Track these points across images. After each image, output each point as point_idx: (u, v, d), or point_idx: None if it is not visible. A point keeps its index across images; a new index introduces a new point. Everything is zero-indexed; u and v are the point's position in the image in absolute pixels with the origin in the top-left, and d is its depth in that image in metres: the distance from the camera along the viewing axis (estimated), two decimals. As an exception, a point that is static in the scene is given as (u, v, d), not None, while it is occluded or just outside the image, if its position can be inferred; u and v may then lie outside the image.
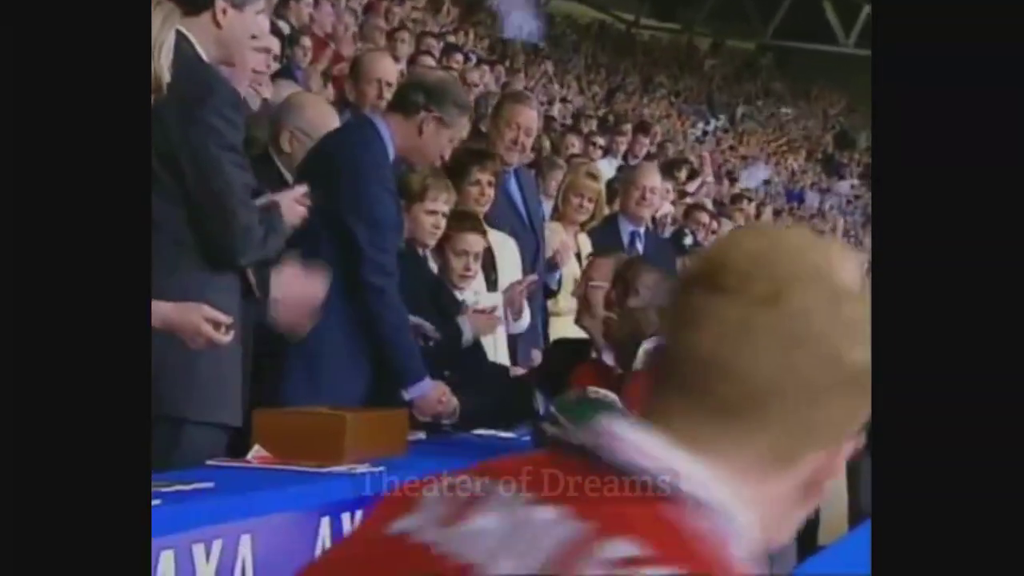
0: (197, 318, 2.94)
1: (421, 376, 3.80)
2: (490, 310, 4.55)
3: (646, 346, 3.32)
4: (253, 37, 3.62)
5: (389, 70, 5.24)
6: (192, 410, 3.09)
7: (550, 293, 5.53)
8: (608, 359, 3.47)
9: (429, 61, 8.82)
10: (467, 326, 4.41)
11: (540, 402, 3.34)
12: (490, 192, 4.87)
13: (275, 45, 4.28)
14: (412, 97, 3.95)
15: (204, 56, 3.25)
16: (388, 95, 4.80)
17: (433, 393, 3.82)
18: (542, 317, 5.42)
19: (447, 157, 4.31)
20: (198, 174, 3.08)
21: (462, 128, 4.13)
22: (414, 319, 3.90)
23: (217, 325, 2.94)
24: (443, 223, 4.40)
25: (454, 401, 3.87)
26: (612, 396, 3.20)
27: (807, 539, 7.04)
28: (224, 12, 3.27)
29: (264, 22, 3.63)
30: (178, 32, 3.17)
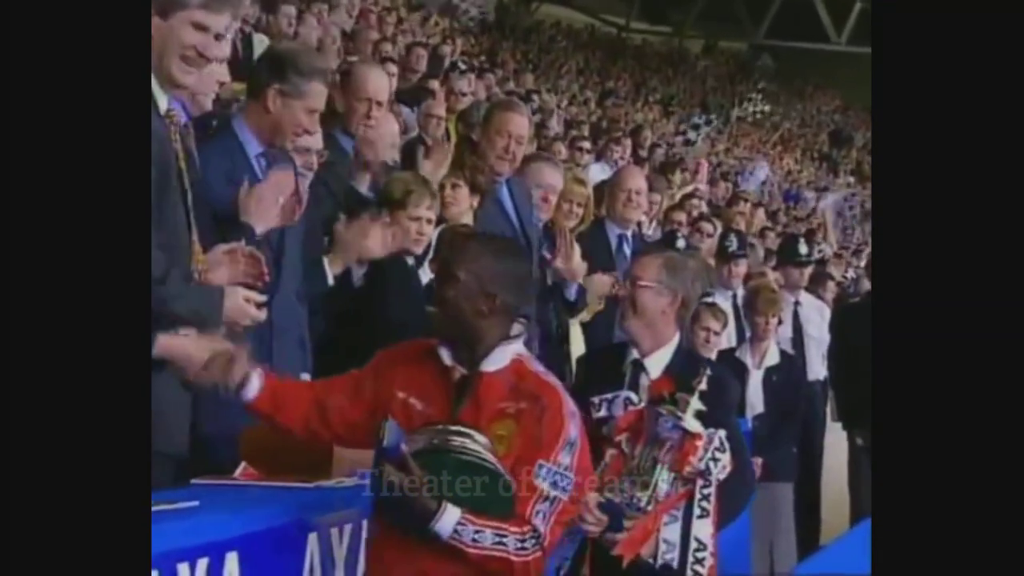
0: (240, 300, 3.04)
1: None
2: None
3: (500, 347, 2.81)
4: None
5: (382, 86, 5.00)
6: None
7: (569, 307, 5.40)
8: (447, 358, 2.82)
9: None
10: None
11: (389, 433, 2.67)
12: (455, 194, 4.87)
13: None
14: (257, 76, 3.80)
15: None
16: (376, 113, 4.72)
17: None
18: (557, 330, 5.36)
19: (312, 129, 3.96)
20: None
21: (315, 96, 3.82)
22: None
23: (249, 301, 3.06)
24: (428, 230, 4.37)
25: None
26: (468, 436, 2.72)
27: (809, 538, 7.05)
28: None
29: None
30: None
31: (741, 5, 29.36)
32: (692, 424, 3.35)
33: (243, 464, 3.25)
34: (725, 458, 3.40)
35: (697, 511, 3.43)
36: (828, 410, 8.06)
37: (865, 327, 7.11)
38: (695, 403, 3.36)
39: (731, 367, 6.55)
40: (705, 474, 3.39)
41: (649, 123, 19.50)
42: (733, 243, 7.49)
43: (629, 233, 6.00)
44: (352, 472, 3.21)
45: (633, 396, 3.65)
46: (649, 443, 3.39)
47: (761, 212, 12.93)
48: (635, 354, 3.75)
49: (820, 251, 11.79)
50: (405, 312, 4.25)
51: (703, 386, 3.38)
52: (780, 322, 6.89)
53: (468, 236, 3.70)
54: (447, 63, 11.31)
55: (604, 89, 22.88)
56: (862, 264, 14.33)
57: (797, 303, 7.76)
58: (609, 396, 3.68)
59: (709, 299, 6.83)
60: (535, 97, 14.54)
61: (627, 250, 5.90)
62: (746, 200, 11.94)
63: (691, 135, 20.82)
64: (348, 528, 3.04)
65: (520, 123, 5.18)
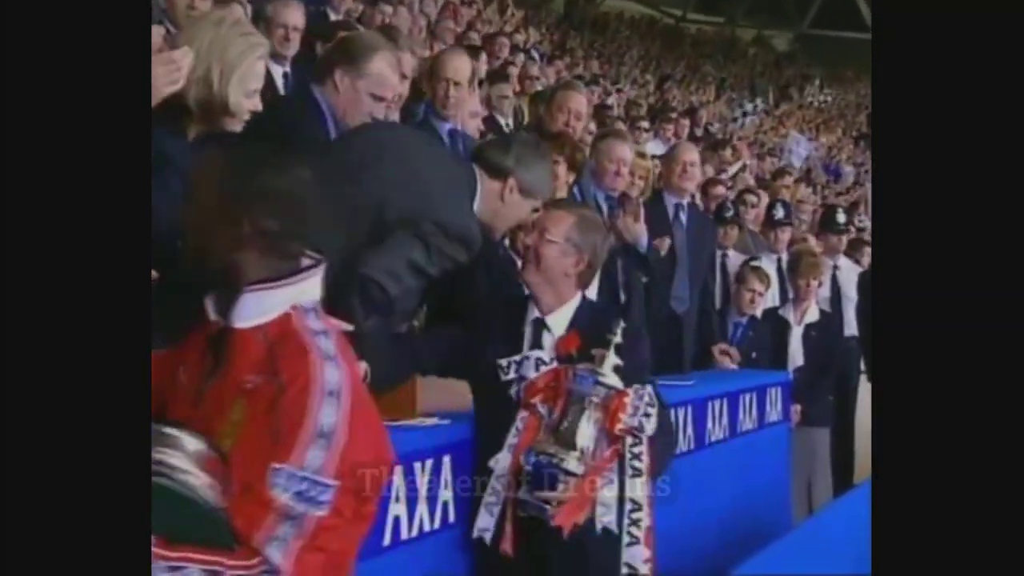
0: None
1: None
2: None
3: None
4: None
5: (464, 68, 4.94)
6: None
7: (643, 263, 5.07)
8: (210, 309, 1.94)
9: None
10: None
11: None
12: (554, 170, 4.63)
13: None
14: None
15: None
16: (454, 92, 4.73)
17: None
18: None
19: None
20: None
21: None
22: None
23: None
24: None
25: None
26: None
27: (844, 478, 6.98)
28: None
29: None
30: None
31: (788, -2, 28.98)
32: (612, 379, 2.87)
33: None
34: (655, 413, 2.94)
35: (630, 470, 2.94)
36: (862, 363, 7.96)
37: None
38: (612, 358, 2.87)
39: (774, 323, 6.49)
40: (636, 431, 2.92)
41: (704, 104, 19.27)
42: (779, 212, 7.43)
43: (685, 202, 5.91)
44: (433, 412, 3.20)
45: (544, 356, 3.09)
46: (573, 402, 2.90)
47: (803, 186, 12.74)
48: (536, 312, 3.18)
49: (860, 221, 11.63)
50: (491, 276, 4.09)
51: (618, 339, 2.87)
52: (820, 284, 6.81)
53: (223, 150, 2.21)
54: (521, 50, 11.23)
55: (662, 74, 22.65)
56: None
57: (836, 267, 7.69)
58: (517, 358, 3.12)
59: (755, 263, 6.73)
60: (600, 81, 14.42)
61: (683, 218, 5.82)
62: (790, 174, 11.82)
63: (740, 117, 20.57)
64: (429, 463, 3.03)
65: (579, 100, 5.28)
